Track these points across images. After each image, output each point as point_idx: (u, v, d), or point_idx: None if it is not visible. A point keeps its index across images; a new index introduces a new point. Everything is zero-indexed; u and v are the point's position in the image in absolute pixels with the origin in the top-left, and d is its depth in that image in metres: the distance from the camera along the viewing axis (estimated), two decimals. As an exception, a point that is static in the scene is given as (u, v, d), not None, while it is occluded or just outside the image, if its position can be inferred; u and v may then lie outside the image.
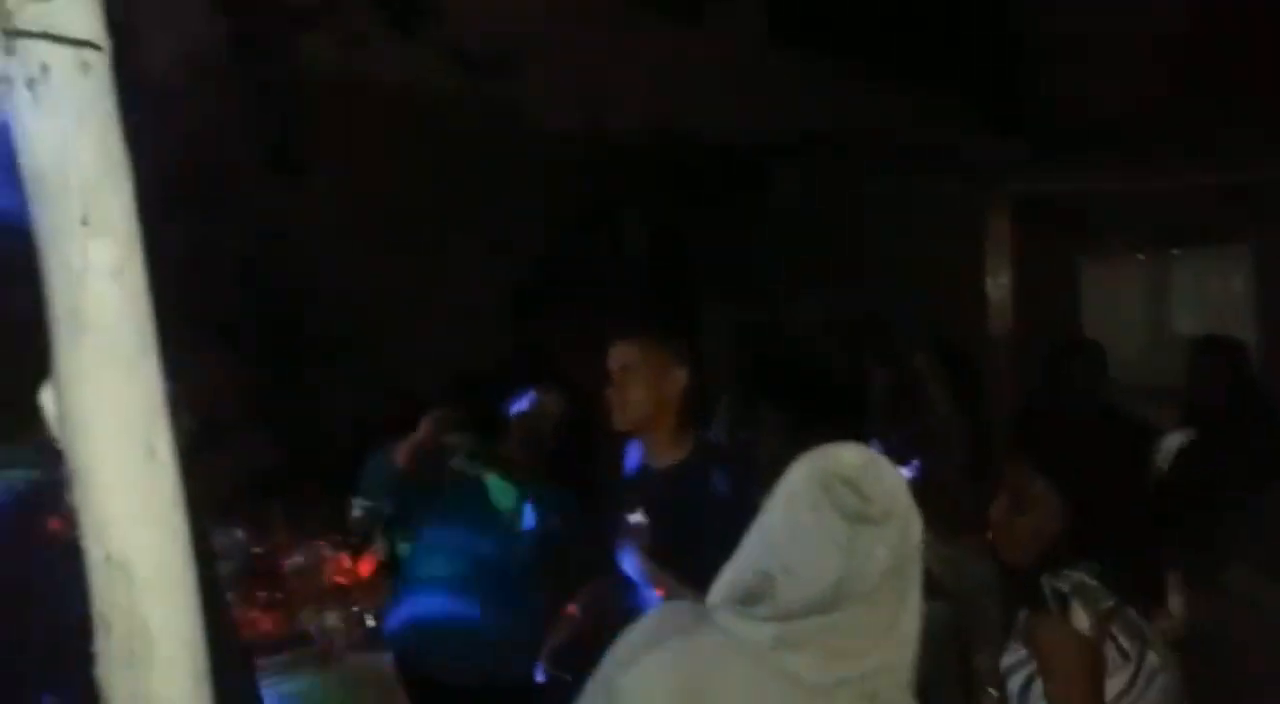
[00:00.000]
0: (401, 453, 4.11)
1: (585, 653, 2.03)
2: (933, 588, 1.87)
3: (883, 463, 1.78)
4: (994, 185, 6.88)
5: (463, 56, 5.78)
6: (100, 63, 1.10)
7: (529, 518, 3.94)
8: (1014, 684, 2.47)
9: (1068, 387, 4.42)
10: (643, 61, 5.78)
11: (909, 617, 1.71)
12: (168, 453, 1.06)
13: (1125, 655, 2.43)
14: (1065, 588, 2.42)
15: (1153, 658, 2.46)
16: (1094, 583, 2.44)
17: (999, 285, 6.94)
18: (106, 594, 1.04)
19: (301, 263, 5.96)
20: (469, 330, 6.14)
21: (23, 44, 1.05)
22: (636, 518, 3.13)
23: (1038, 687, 2.43)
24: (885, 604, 1.69)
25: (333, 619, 4.22)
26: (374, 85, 5.64)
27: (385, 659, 4.05)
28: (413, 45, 5.59)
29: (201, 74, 5.45)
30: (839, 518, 1.69)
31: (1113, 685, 2.40)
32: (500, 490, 3.96)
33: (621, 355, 3.20)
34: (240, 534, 4.35)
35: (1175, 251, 7.07)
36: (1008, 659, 2.51)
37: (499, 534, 3.90)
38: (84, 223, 1.05)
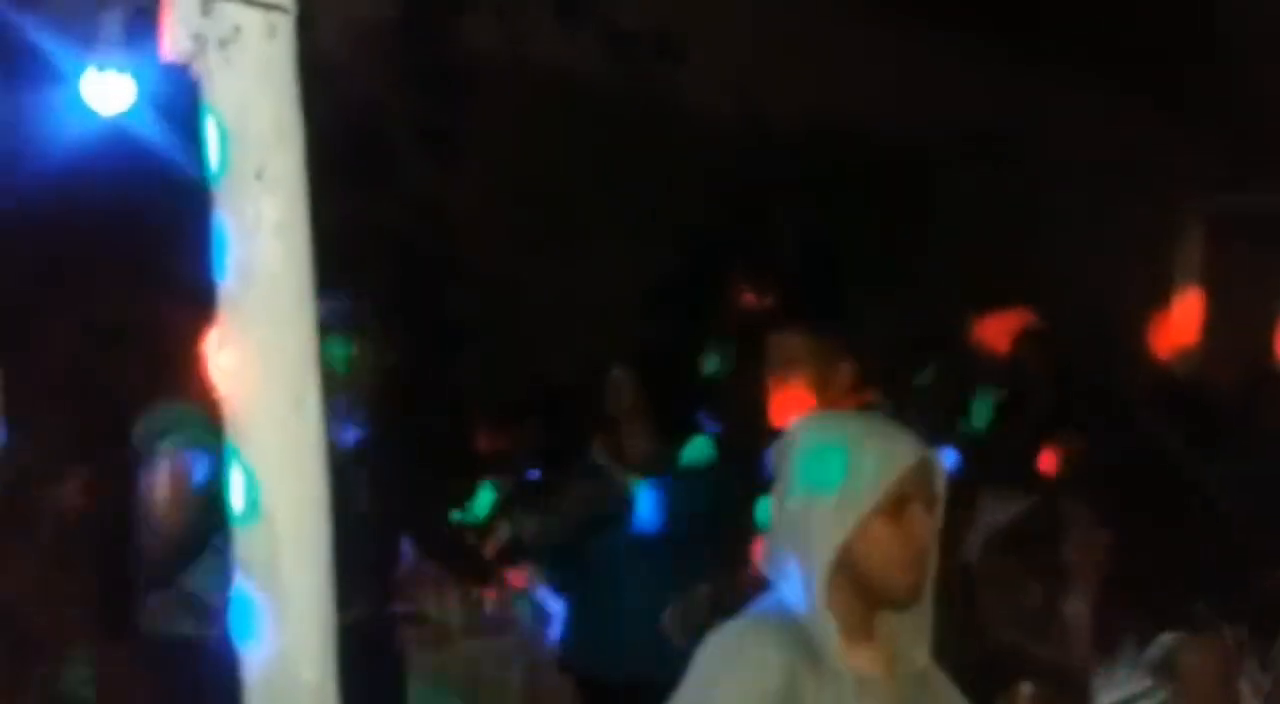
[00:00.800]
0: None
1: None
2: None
3: None
4: (1188, 200, 6.45)
5: (623, 41, 5.80)
6: (286, 27, 1.14)
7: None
8: None
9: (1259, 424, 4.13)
10: (808, 51, 5.69)
11: None
12: (315, 406, 1.09)
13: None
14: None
15: None
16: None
17: (1187, 312, 6.49)
18: (247, 543, 1.07)
19: (450, 242, 6.06)
20: (610, 321, 6.15)
21: (218, 6, 1.10)
22: None
23: None
24: None
25: (451, 602, 4.27)
26: (533, 68, 5.69)
27: (501, 645, 4.09)
28: (573, 28, 5.63)
29: (369, 50, 5.60)
30: None
31: None
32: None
33: (789, 347, 3.08)
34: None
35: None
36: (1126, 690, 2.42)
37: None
38: (258, 177, 1.09)
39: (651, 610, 3.54)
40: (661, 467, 3.68)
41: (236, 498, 1.07)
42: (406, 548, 4.35)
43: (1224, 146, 5.95)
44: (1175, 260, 6.48)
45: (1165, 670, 2.36)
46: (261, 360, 1.07)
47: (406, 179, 5.88)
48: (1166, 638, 2.37)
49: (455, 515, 4.68)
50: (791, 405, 3.03)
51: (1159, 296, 6.41)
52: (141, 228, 4.59)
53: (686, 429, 3.88)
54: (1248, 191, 6.16)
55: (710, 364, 6.03)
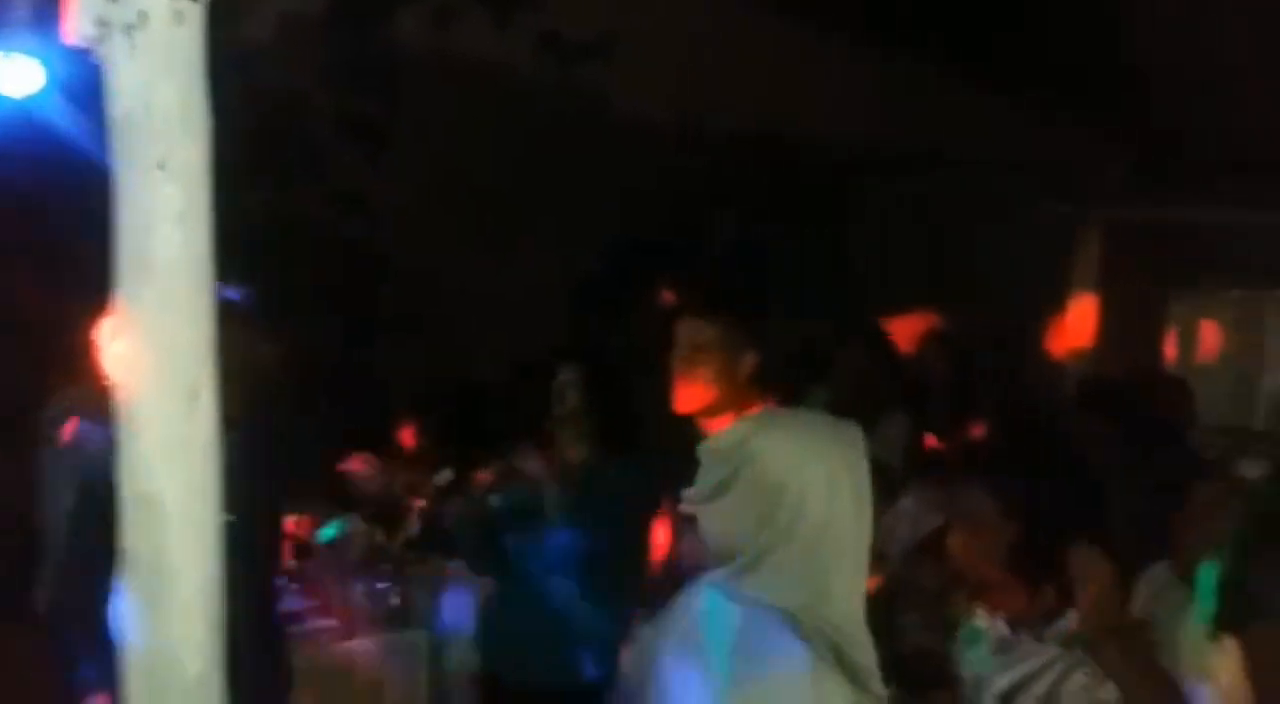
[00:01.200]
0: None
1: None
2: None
3: None
4: (1091, 207, 6.66)
5: (554, 40, 5.80)
6: (195, 14, 1.13)
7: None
8: None
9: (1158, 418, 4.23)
10: (740, 58, 5.73)
11: None
12: (211, 399, 1.08)
13: None
14: None
15: None
16: None
17: (1082, 312, 6.68)
18: (135, 532, 1.06)
19: (377, 236, 6.02)
20: (536, 319, 6.14)
21: (124, -10, 1.09)
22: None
23: None
24: None
25: (360, 592, 4.26)
26: (463, 63, 5.67)
27: (410, 637, 4.06)
28: (505, 25, 5.62)
29: (295, 39, 5.55)
30: None
31: None
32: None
33: (694, 331, 3.07)
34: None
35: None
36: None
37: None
38: (161, 167, 1.08)
39: (566, 617, 3.53)
40: (589, 478, 3.66)
41: (126, 485, 1.06)
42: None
43: (1124, 157, 6.12)
44: (1074, 266, 6.70)
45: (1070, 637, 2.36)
46: (156, 350, 1.06)
47: (333, 171, 5.83)
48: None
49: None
50: (693, 393, 3.05)
51: (1058, 301, 6.63)
52: (46, 214, 4.53)
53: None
54: (1144, 202, 6.36)
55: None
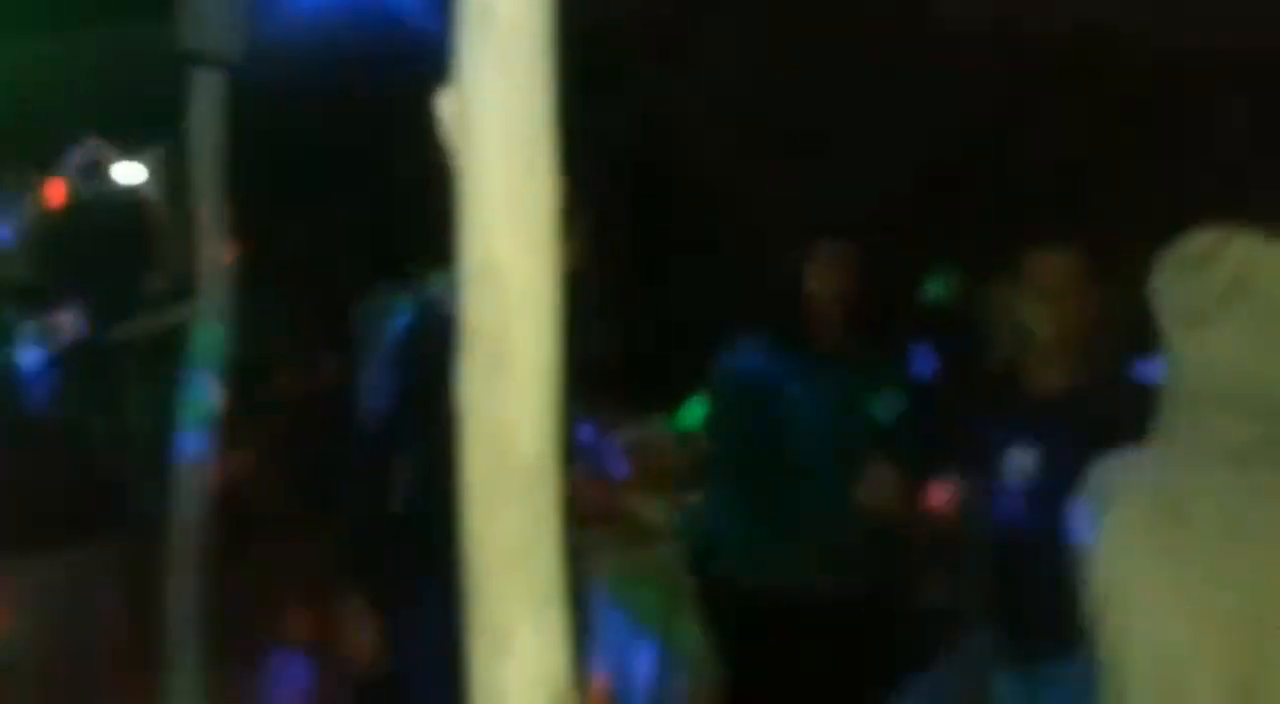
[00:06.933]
0: None
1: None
2: None
3: None
4: None
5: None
6: None
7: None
8: None
9: None
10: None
11: None
12: (546, 174, 1.04)
13: None
14: None
15: None
16: None
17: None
18: (476, 305, 1.04)
19: (684, 155, 6.02)
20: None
21: None
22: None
23: None
24: None
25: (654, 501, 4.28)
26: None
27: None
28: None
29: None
30: None
31: None
32: None
33: (1064, 267, 3.11)
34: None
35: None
36: None
37: None
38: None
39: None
40: None
41: (467, 255, 1.03)
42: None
43: None
44: None
45: None
46: (499, 115, 1.02)
47: (640, 87, 5.85)
48: None
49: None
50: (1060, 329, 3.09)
51: None
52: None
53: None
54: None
55: (935, 289, 5.83)
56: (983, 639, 3.26)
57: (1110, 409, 2.85)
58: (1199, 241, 1.81)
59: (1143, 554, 1.69)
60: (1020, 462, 3.04)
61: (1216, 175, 6.24)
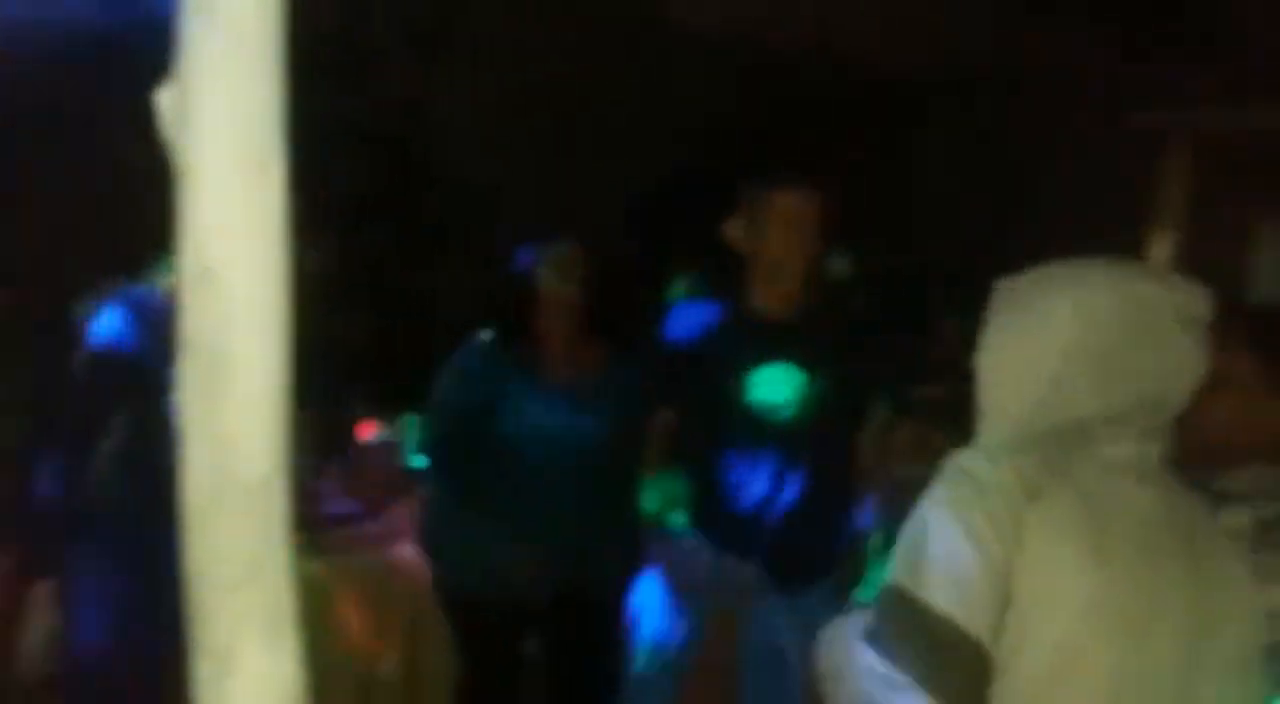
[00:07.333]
0: None
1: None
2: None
3: None
4: (1171, 122, 6.15)
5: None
6: None
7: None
8: None
9: None
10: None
11: None
12: (279, 174, 0.98)
13: None
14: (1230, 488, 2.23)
15: None
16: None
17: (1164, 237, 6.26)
18: (194, 312, 0.97)
19: (431, 143, 5.92)
20: (583, 233, 6.01)
21: None
22: None
23: None
24: None
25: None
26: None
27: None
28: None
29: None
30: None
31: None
32: None
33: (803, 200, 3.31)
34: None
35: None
36: None
37: None
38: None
39: None
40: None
41: (186, 260, 0.96)
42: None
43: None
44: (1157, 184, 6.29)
45: None
46: (225, 114, 0.96)
47: (389, 77, 5.74)
48: None
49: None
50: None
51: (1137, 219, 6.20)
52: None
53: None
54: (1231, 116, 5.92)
55: (677, 292, 5.88)
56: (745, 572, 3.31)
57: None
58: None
59: (1074, 555, 1.71)
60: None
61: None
